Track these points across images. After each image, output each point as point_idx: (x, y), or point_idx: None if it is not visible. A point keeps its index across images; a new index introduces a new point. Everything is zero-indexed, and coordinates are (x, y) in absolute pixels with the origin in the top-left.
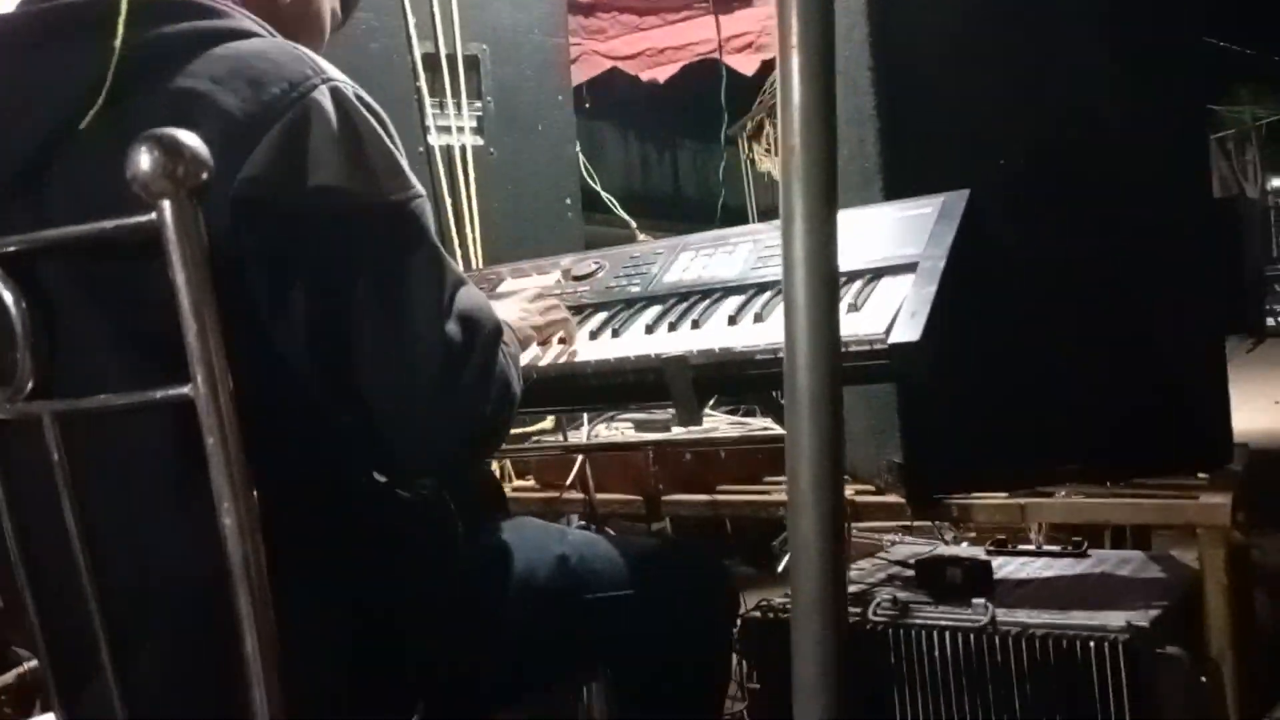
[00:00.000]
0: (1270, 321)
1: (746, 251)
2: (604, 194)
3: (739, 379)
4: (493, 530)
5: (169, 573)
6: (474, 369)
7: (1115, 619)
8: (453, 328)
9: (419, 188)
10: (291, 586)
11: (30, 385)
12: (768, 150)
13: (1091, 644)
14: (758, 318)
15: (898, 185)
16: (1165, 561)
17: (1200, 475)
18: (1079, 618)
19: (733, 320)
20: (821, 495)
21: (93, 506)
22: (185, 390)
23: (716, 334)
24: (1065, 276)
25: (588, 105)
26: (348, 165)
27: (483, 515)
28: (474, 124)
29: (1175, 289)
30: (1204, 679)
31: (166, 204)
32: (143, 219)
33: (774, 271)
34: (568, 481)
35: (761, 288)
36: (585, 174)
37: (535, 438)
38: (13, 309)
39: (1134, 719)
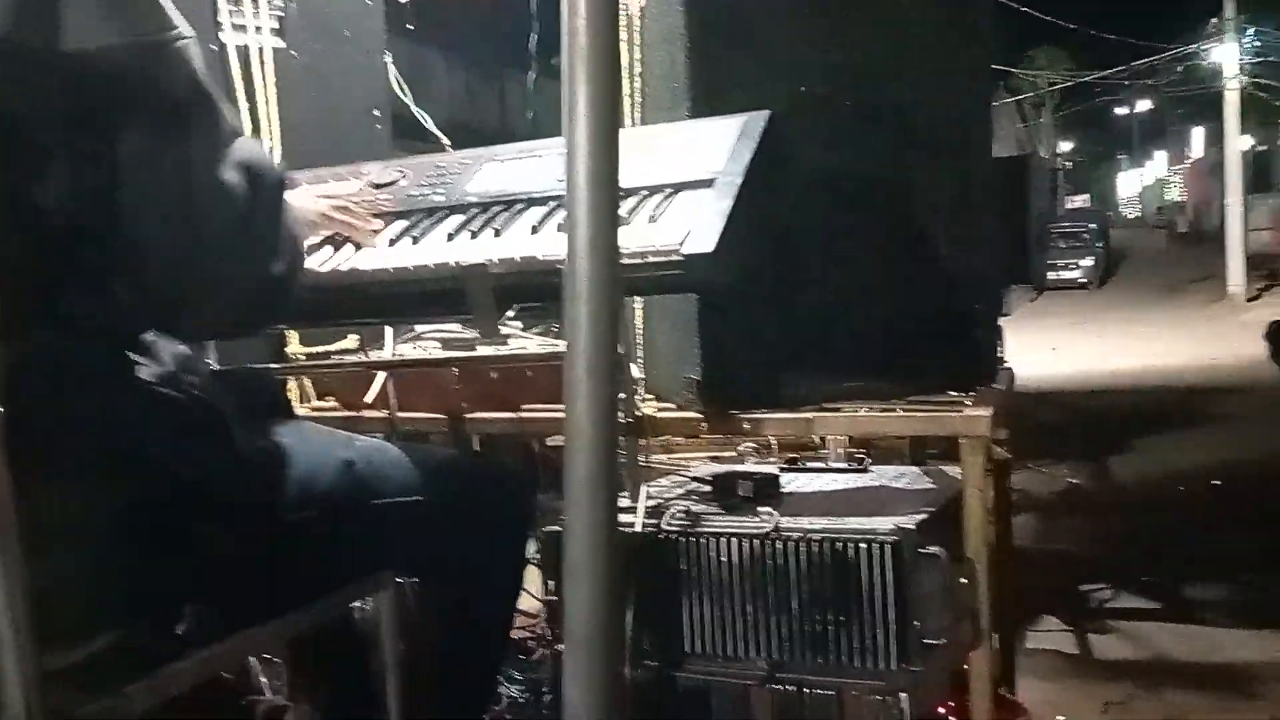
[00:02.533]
0: (1052, 275)
1: (554, 163)
2: (415, 109)
3: (541, 287)
4: (272, 432)
5: None
6: (260, 221)
7: (885, 523)
8: (232, 176)
9: (184, 29)
10: (47, 472)
11: None
12: None
13: (863, 545)
14: (561, 227)
15: (705, 105)
16: (937, 475)
17: (969, 394)
18: (853, 523)
19: (535, 229)
20: (596, 384)
21: None
22: None
23: (518, 243)
24: (859, 205)
25: (411, 27)
26: (98, 5)
27: (263, 417)
28: (274, 24)
29: (960, 230)
30: (963, 579)
31: None
32: None
33: None
34: (368, 400)
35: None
36: (397, 88)
37: (336, 355)
38: None
39: (900, 613)
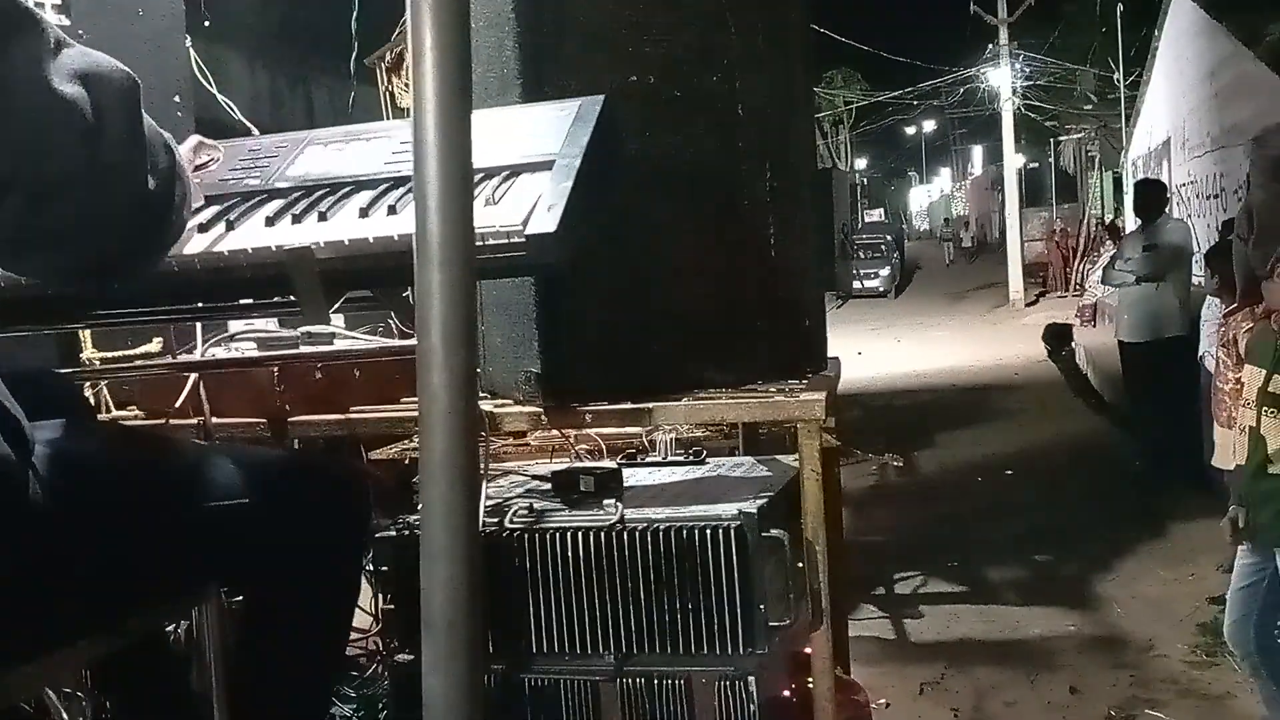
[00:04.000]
0: (854, 285)
1: (381, 147)
2: (221, 97)
3: (373, 272)
4: (73, 435)
5: None
6: (116, 133)
7: (728, 509)
8: (71, 89)
9: None
10: None
11: None
12: (408, 86)
13: (707, 531)
14: (391, 210)
15: (534, 91)
16: (772, 463)
17: (801, 381)
18: (697, 510)
19: (364, 213)
20: (453, 355)
21: None
22: None
23: (347, 226)
24: (693, 197)
25: (207, 24)
26: None
27: (64, 420)
28: (58, 1)
29: (786, 223)
30: (801, 563)
31: None
32: None
33: (410, 167)
34: (176, 404)
35: (397, 182)
36: (199, 74)
37: (139, 360)
38: None
39: (745, 597)
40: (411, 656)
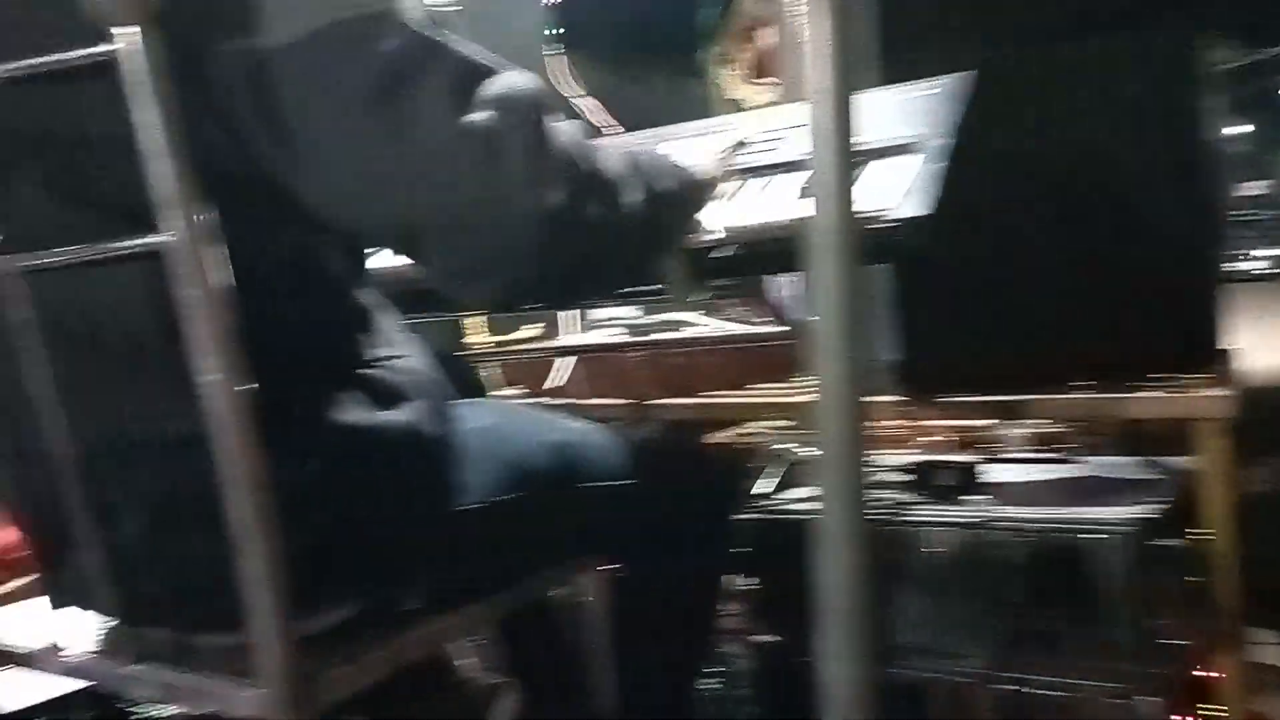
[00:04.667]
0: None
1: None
2: (578, 100)
3: (754, 258)
4: (485, 413)
5: (149, 435)
6: (521, 159)
7: (1114, 514)
8: (479, 119)
9: None
10: (274, 451)
11: None
12: (747, 74)
13: (1093, 536)
14: (773, 196)
15: (900, 70)
16: (1155, 464)
17: (1192, 376)
18: (1078, 513)
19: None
20: (847, 346)
21: (64, 368)
22: (160, 239)
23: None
24: (1066, 174)
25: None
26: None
27: (475, 398)
28: None
29: (1176, 201)
30: (1202, 577)
31: (127, 30)
32: (101, 50)
33: (771, 156)
34: (544, 386)
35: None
36: (553, 76)
37: (525, 342)
38: None
39: (1132, 609)
40: (778, 639)
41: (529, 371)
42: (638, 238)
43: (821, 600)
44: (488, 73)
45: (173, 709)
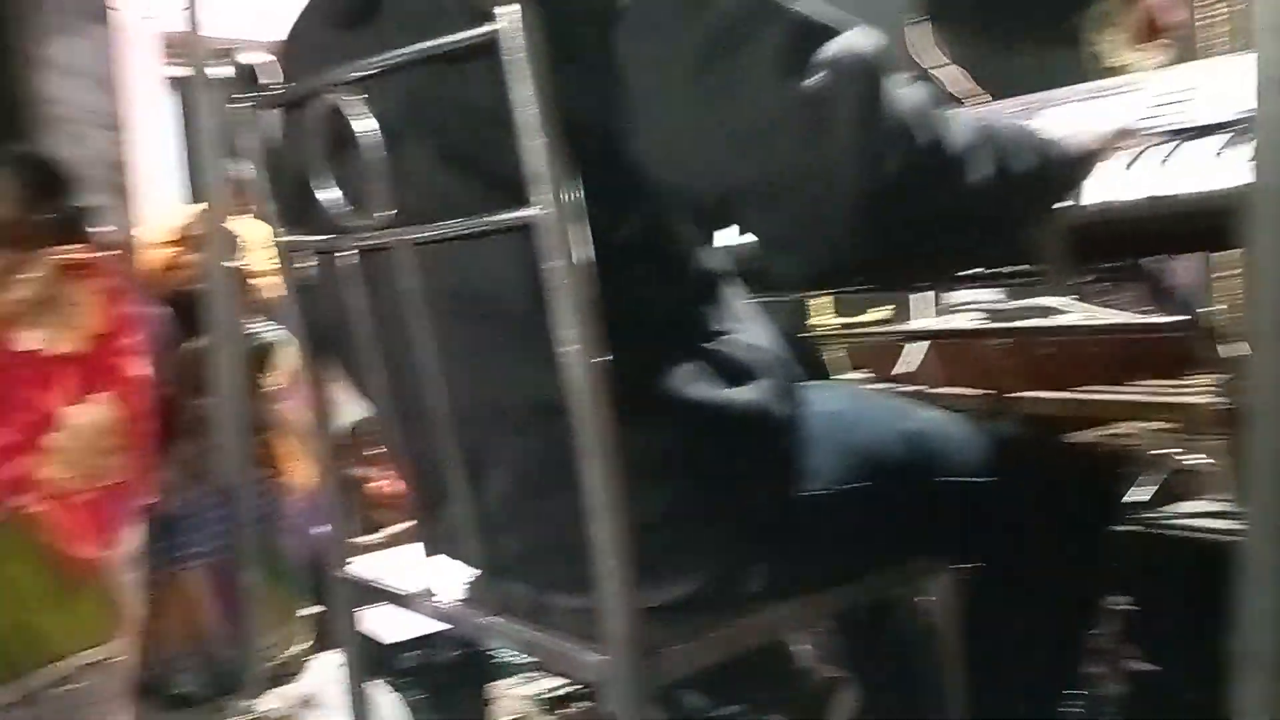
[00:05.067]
0: None
1: (1123, 102)
2: (936, 70)
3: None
4: (828, 396)
5: (517, 401)
6: (852, 126)
7: None
8: (810, 83)
9: None
10: (625, 422)
11: (384, 214)
12: (1133, 36)
13: None
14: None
15: None
16: None
17: None
18: None
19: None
20: None
21: (445, 333)
22: (530, 213)
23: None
24: None
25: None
26: None
27: (823, 381)
28: None
29: None
30: None
31: (508, 10)
32: (483, 30)
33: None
34: (893, 371)
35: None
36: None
37: (871, 326)
38: (365, 137)
39: None
40: (1155, 668)
41: (876, 355)
42: (985, 216)
43: (1238, 641)
44: (826, 32)
45: (526, 657)
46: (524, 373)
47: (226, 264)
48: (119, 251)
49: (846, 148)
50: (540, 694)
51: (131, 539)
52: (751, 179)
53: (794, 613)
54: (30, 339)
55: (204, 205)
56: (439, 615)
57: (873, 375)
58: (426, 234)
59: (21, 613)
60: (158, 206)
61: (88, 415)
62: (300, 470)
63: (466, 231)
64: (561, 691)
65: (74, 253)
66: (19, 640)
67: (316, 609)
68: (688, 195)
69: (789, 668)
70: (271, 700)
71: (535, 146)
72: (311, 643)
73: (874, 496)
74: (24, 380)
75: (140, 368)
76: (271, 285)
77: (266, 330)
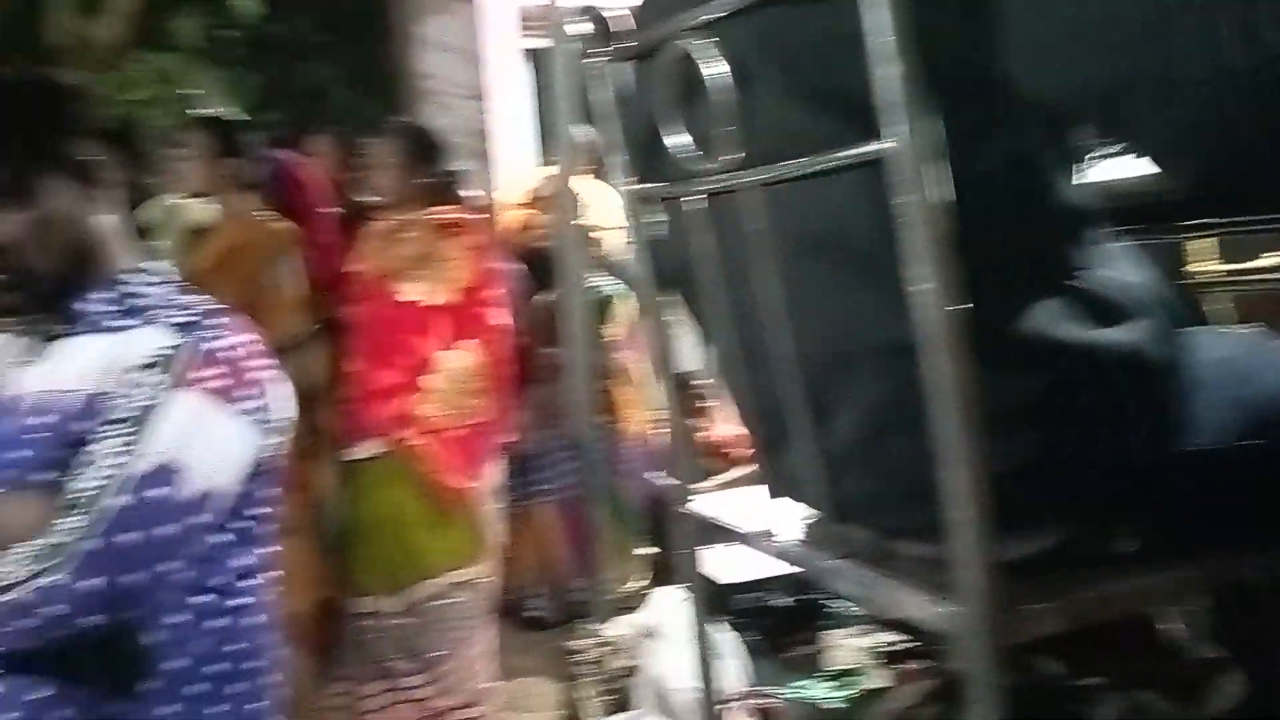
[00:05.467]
0: None
1: None
2: None
3: None
4: (1216, 343)
5: (866, 342)
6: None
7: None
8: None
9: None
10: (983, 364)
11: (732, 157)
12: None
13: None
14: None
15: None
16: None
17: None
18: None
19: None
20: None
21: (792, 275)
22: (883, 146)
23: None
24: None
25: None
26: None
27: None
28: None
29: None
30: None
31: None
32: None
33: None
34: None
35: None
36: None
37: (1262, 272)
38: (715, 80)
39: None
40: None
41: (1273, 306)
42: None
43: None
44: None
45: (859, 610)
46: (873, 313)
47: (573, 223)
48: (483, 213)
49: (1247, 26)
50: (875, 647)
51: (494, 474)
52: (1145, 71)
53: (1169, 581)
54: (411, 291)
55: (553, 169)
56: (781, 555)
57: (1264, 328)
58: (775, 174)
59: (404, 533)
60: (514, 171)
61: (458, 360)
62: (637, 417)
63: (816, 169)
64: (898, 647)
65: (447, 214)
66: (402, 557)
67: (651, 549)
68: (1063, 106)
69: (1159, 642)
70: (618, 627)
71: (890, 75)
72: (648, 580)
73: (1269, 457)
74: (406, 328)
75: (501, 318)
76: (611, 241)
77: (606, 284)
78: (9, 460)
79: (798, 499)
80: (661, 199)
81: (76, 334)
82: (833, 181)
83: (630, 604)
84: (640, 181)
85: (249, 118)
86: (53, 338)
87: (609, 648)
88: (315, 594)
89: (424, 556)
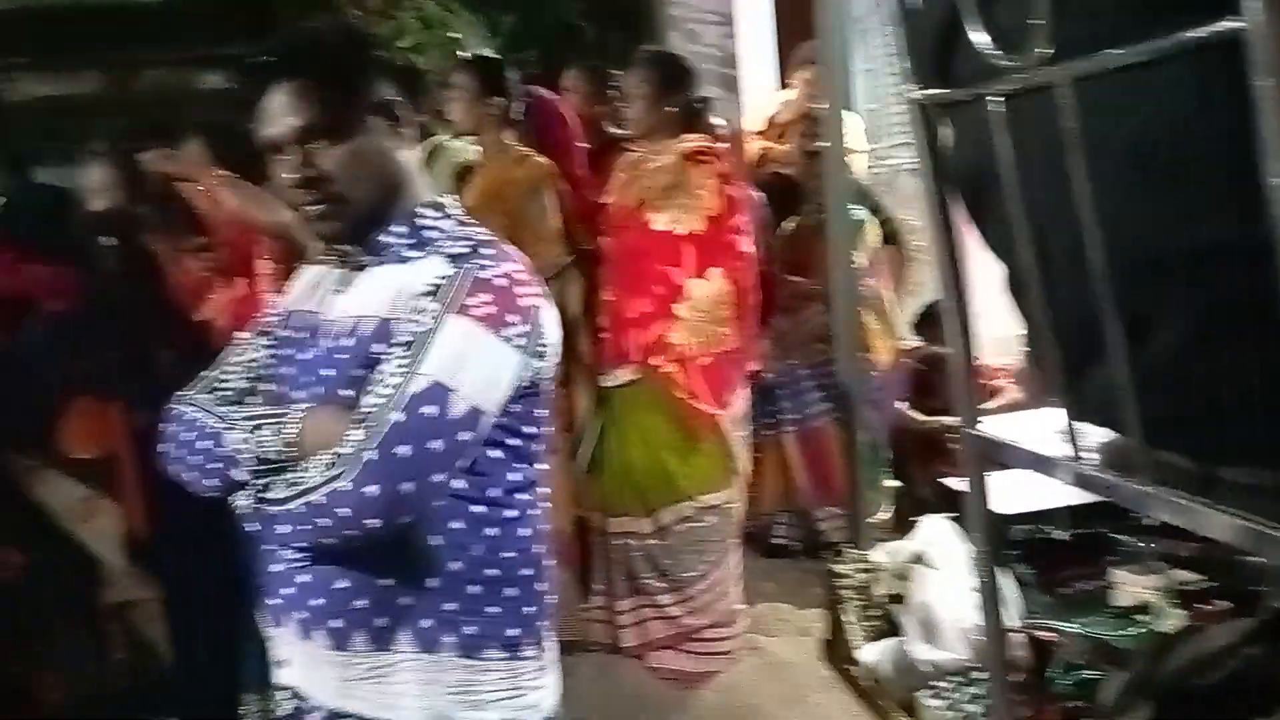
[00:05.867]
0: None
1: None
2: None
3: None
4: None
5: (1191, 246)
6: None
7: None
8: None
9: None
10: None
11: (1042, 50)
12: None
13: None
14: None
15: None
16: None
17: None
18: None
19: None
20: None
21: (1105, 177)
22: (1236, 24)
23: None
24: None
25: None
26: None
27: None
28: None
29: None
30: None
31: None
32: None
33: None
34: None
35: None
36: None
37: None
38: None
39: None
40: None
41: None
42: None
43: None
44: None
45: (1149, 547)
46: (1205, 213)
47: (824, 147)
48: (729, 140)
49: None
50: (1168, 585)
51: (742, 401)
52: None
53: None
54: (661, 220)
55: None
56: (1083, 482)
57: None
58: (1096, 64)
59: (656, 456)
60: (755, 97)
61: (706, 288)
62: (882, 346)
63: (1148, 57)
64: (1194, 587)
65: (696, 142)
66: (654, 479)
67: (895, 482)
68: None
69: None
70: (879, 555)
71: None
72: (891, 512)
73: None
74: (658, 257)
75: (747, 246)
76: (858, 166)
77: (854, 210)
78: (319, 378)
79: (1102, 422)
80: (948, 105)
81: (378, 264)
82: (1161, 70)
83: (882, 534)
84: (928, 86)
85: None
86: (359, 268)
87: (873, 574)
88: (572, 512)
89: (675, 480)
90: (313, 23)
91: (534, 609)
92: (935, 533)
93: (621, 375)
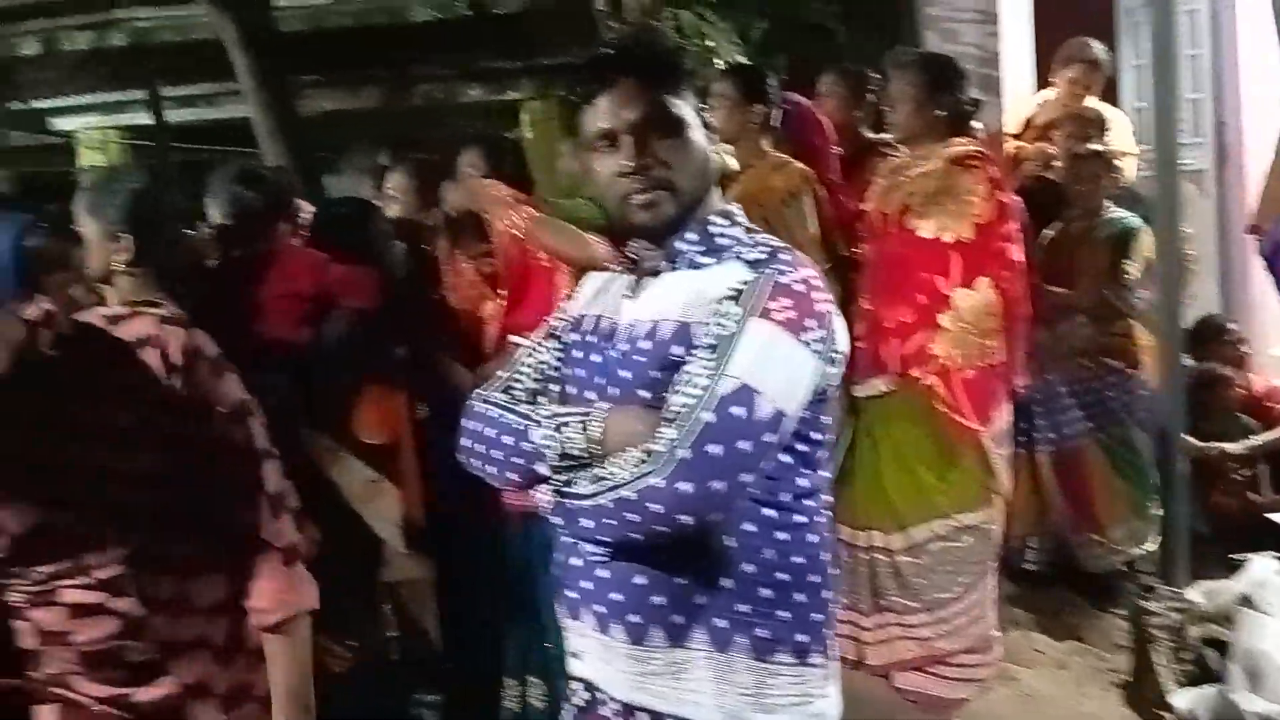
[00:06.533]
0: None
1: None
2: None
3: None
4: None
5: None
6: None
7: None
8: None
9: None
10: None
11: None
12: None
13: None
14: None
15: None
16: None
17: None
18: None
19: None
20: None
21: None
22: None
23: None
24: None
25: None
26: None
27: None
28: None
29: None
30: None
31: None
32: None
33: None
34: None
35: None
36: None
37: None
38: None
39: None
40: None
41: None
42: None
43: None
44: None
45: None
46: None
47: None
48: (993, 144)
49: None
50: None
51: (1005, 418)
52: None
53: None
54: (928, 227)
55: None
56: None
57: None
58: None
59: (911, 469)
60: (1015, 97)
61: (973, 298)
62: (1153, 362)
63: None
64: None
65: (965, 146)
66: (907, 494)
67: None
68: None
69: None
70: (1196, 594)
71: None
72: (1159, 544)
73: None
74: (922, 264)
75: (1017, 255)
76: (1128, 169)
77: (1127, 216)
78: (617, 379)
79: None
80: None
81: (670, 270)
82: None
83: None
84: None
85: (755, 63)
86: (654, 273)
87: (1190, 614)
88: None
89: (931, 496)
90: (633, 30)
91: (821, 616)
92: (1266, 574)
93: (877, 385)
